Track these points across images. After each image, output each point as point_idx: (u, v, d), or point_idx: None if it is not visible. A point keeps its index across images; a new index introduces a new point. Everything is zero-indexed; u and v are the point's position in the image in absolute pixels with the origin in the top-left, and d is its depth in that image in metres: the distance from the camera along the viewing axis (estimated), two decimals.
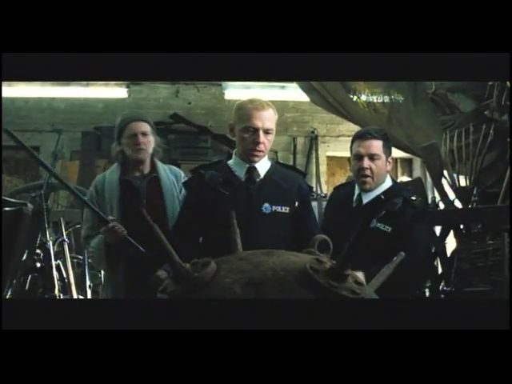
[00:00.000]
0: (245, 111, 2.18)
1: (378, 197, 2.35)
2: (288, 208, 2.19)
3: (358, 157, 2.39)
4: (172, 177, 2.57)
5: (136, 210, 1.46)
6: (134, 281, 2.35)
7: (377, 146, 2.38)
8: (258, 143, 2.17)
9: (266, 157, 2.27)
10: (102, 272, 3.50)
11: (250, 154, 2.19)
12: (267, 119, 2.17)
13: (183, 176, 2.59)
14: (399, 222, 2.28)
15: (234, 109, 2.25)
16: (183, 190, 2.47)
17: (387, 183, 2.46)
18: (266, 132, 2.18)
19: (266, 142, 2.19)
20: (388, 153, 2.43)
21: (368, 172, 2.37)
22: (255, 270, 1.36)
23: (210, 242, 2.20)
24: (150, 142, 2.54)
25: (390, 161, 2.44)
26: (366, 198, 2.41)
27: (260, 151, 2.19)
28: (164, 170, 2.59)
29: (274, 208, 2.17)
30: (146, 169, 2.56)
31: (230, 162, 2.28)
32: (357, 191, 2.45)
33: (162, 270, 2.25)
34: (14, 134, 2.09)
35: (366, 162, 2.36)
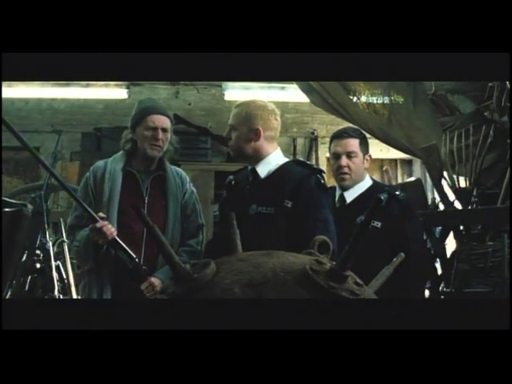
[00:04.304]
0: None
1: (369, 196, 2.36)
2: (273, 209, 2.09)
3: (336, 155, 2.47)
4: (178, 179, 2.42)
5: (135, 210, 1.41)
6: (122, 285, 2.23)
7: (354, 144, 2.46)
8: None
9: (275, 156, 2.23)
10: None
11: None
12: None
13: (188, 181, 2.48)
14: (388, 216, 2.30)
15: (266, 109, 2.21)
16: (191, 195, 2.44)
17: (367, 181, 2.51)
18: None
19: None
20: (365, 151, 2.49)
21: (346, 170, 2.44)
22: (255, 271, 1.35)
23: (210, 243, 2.23)
24: (167, 140, 2.39)
25: (368, 158, 2.50)
26: (350, 197, 2.45)
27: None
28: (171, 170, 2.44)
29: (259, 209, 2.11)
30: (153, 165, 2.41)
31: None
32: (338, 192, 2.49)
33: (154, 277, 2.21)
34: (10, 125, 1.90)
35: (344, 161, 2.44)
